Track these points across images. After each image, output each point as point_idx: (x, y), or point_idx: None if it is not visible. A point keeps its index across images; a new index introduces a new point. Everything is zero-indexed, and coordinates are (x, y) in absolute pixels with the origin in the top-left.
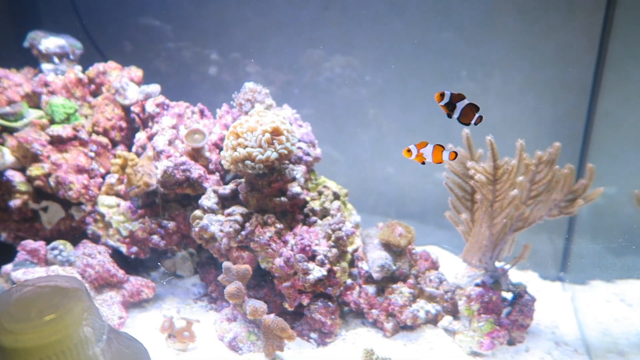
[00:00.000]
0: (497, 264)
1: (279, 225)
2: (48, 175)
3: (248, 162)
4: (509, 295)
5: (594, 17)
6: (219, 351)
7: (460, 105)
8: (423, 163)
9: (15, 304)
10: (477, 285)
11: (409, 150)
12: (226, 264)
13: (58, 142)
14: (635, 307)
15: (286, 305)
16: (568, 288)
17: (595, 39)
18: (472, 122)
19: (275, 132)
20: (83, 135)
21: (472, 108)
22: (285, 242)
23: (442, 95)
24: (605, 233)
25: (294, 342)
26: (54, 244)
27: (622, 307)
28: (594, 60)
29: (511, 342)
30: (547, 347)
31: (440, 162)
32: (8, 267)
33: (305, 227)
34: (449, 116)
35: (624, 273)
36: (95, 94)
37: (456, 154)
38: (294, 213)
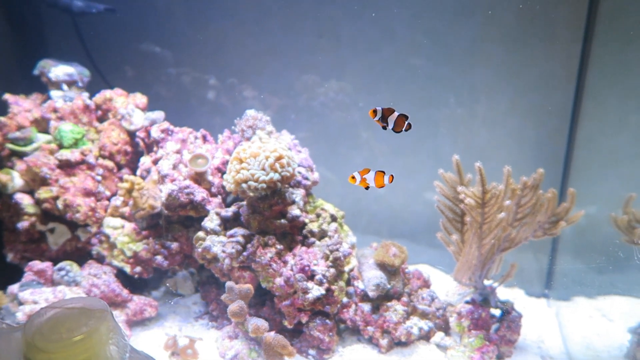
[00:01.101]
0: (486, 282)
1: (279, 246)
2: (56, 198)
3: (251, 182)
4: (497, 312)
5: (573, 48)
6: None
7: (392, 118)
8: (367, 188)
9: (46, 324)
10: (467, 302)
11: (353, 177)
12: (229, 283)
13: (66, 166)
14: (616, 321)
15: (286, 323)
16: (553, 304)
17: (574, 69)
18: (403, 129)
19: (277, 158)
20: (90, 159)
21: (403, 118)
22: (285, 262)
23: (375, 111)
24: (587, 251)
25: (294, 359)
26: (60, 264)
27: (604, 322)
28: (573, 89)
29: (500, 357)
30: None
31: (383, 186)
32: (14, 287)
33: (304, 248)
34: (384, 128)
35: (606, 289)
36: (101, 119)
37: (392, 177)
38: (294, 234)
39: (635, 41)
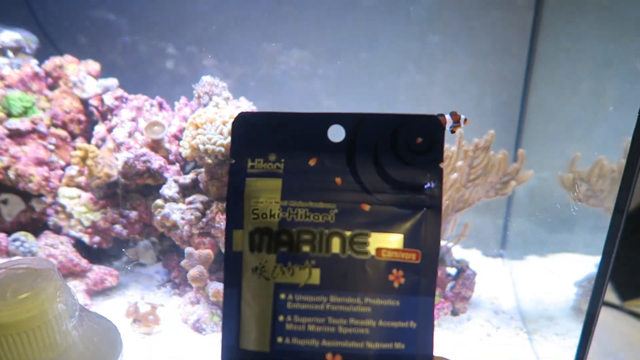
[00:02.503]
0: (442, 243)
1: None
2: (7, 168)
3: (209, 146)
4: (453, 271)
5: (525, 14)
6: (183, 333)
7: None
8: None
9: None
10: None
11: None
12: (188, 249)
13: (16, 136)
14: (564, 277)
15: None
16: (507, 263)
17: (526, 35)
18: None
19: None
20: (42, 128)
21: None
22: None
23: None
24: (539, 212)
25: None
26: (15, 235)
27: (553, 279)
28: (526, 55)
29: (455, 313)
30: (487, 315)
31: None
32: None
33: None
34: (453, 132)
35: (557, 248)
36: (52, 87)
37: None
38: None
39: (584, 8)
